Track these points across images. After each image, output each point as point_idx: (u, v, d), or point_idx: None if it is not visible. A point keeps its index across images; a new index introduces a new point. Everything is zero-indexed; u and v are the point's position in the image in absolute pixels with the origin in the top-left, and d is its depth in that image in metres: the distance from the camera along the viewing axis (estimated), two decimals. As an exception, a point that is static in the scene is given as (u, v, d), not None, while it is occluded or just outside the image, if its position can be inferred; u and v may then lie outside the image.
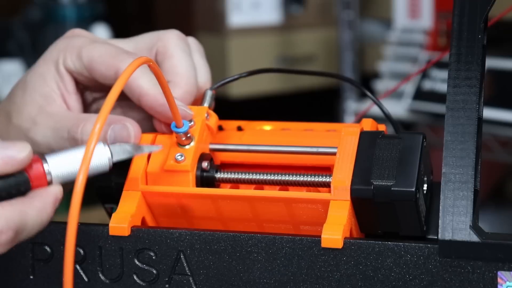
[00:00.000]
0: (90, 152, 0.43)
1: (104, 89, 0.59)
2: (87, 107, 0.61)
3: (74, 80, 0.59)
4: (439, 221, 0.46)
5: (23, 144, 0.48)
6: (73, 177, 0.50)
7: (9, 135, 0.59)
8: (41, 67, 0.59)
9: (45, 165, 0.50)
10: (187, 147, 0.54)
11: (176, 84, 0.57)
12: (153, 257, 0.51)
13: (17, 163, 0.47)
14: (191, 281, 0.51)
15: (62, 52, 0.58)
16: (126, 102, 0.58)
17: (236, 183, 0.55)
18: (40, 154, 0.51)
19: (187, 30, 0.61)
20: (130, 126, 0.55)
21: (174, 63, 0.58)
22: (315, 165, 0.55)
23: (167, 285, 0.51)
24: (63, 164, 0.50)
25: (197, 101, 0.59)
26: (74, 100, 0.59)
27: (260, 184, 0.55)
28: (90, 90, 0.61)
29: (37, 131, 0.58)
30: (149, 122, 0.58)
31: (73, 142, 0.57)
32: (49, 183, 0.50)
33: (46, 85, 0.58)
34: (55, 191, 0.49)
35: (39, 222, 0.48)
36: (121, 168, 0.55)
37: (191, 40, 0.61)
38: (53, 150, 0.57)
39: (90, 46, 0.58)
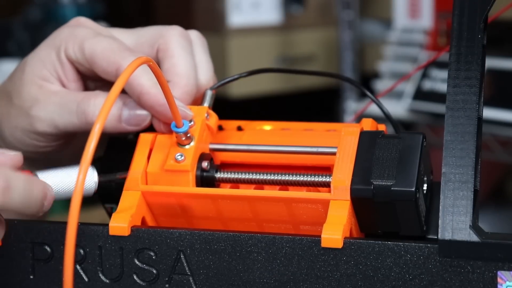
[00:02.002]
0: (90, 153, 0.43)
1: (105, 79, 0.59)
2: None
3: (75, 69, 0.59)
4: (439, 221, 0.46)
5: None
6: (57, 196, 0.52)
7: (10, 115, 0.59)
8: (42, 51, 0.59)
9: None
10: (187, 147, 0.54)
11: (176, 84, 0.57)
12: (153, 257, 0.51)
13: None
14: (191, 281, 0.51)
15: (65, 41, 0.58)
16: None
17: (236, 183, 0.55)
18: (32, 170, 0.52)
19: (187, 30, 0.61)
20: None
21: (174, 62, 0.58)
22: (315, 165, 0.55)
23: (167, 285, 0.51)
24: (51, 182, 0.51)
25: (198, 100, 0.59)
26: (74, 87, 0.59)
27: (260, 184, 0.55)
28: (92, 79, 0.61)
29: (40, 108, 0.58)
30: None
31: (83, 115, 0.57)
32: None
33: (45, 68, 0.59)
34: (44, 185, 0.50)
35: (23, 195, 0.49)
36: (121, 168, 0.55)
37: (194, 34, 0.61)
38: (57, 126, 0.57)
39: (93, 40, 0.57)
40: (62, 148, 0.61)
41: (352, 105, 1.66)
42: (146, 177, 0.54)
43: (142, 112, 0.56)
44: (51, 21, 1.82)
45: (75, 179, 0.51)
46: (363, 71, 1.76)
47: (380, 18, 1.77)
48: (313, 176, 0.53)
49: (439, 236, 0.46)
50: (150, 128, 0.57)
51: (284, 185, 0.54)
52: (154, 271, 0.51)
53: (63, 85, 0.59)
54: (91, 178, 0.52)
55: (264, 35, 1.83)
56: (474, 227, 0.46)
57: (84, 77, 0.60)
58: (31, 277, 0.53)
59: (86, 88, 0.61)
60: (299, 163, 0.55)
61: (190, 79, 0.57)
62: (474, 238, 0.46)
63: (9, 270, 0.53)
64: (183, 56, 0.58)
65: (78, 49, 0.58)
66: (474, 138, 0.47)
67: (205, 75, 0.60)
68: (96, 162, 0.54)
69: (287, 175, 0.54)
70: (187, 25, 0.61)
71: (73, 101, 0.57)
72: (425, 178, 0.53)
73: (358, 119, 0.61)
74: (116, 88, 0.44)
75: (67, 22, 0.61)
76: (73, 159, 0.64)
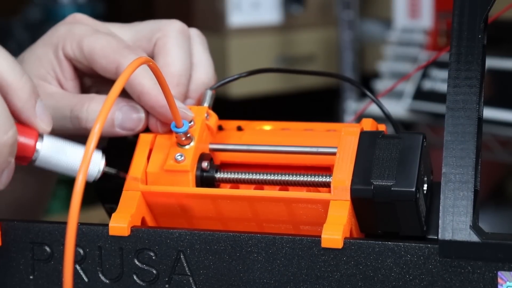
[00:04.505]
0: (90, 152, 0.43)
1: (104, 77, 0.59)
2: (85, 91, 0.61)
3: (73, 66, 0.59)
4: (439, 221, 0.46)
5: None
6: (56, 168, 0.51)
7: None
8: (39, 49, 0.59)
9: (38, 143, 0.50)
10: (187, 147, 0.54)
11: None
12: (153, 257, 0.51)
13: None
14: (191, 281, 0.51)
15: (62, 39, 0.58)
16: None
17: (236, 183, 0.55)
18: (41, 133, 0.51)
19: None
20: (140, 108, 0.55)
21: (168, 61, 0.57)
22: (315, 165, 0.55)
23: (167, 285, 0.51)
24: (55, 151, 0.51)
25: (199, 100, 0.59)
26: (71, 86, 0.59)
27: (260, 184, 0.55)
28: (89, 76, 0.60)
29: None
30: None
31: (77, 121, 0.56)
32: (33, 160, 0.51)
33: (42, 67, 0.58)
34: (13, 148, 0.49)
35: None
36: (121, 168, 0.55)
37: (194, 32, 0.61)
38: (52, 129, 0.57)
39: (92, 37, 0.57)
40: None
41: (352, 105, 1.66)
42: (146, 177, 0.54)
43: (136, 116, 0.56)
44: (51, 21, 1.82)
45: (78, 157, 0.51)
46: (363, 71, 1.76)
47: (380, 18, 1.77)
48: (313, 176, 0.53)
49: (439, 236, 0.46)
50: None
51: (284, 185, 0.54)
52: (154, 271, 0.51)
53: (60, 84, 0.59)
54: (97, 164, 0.52)
55: (264, 35, 1.83)
56: (475, 227, 0.46)
57: (82, 74, 0.60)
58: (31, 277, 0.53)
59: (83, 85, 0.60)
60: (299, 163, 0.55)
61: (182, 79, 0.57)
62: (474, 238, 0.46)
63: (9, 270, 0.53)
64: (178, 56, 0.58)
65: (76, 47, 0.57)
66: (474, 138, 0.47)
67: (206, 74, 0.59)
68: None
69: (287, 175, 0.54)
70: (187, 25, 0.61)
71: (67, 106, 0.57)
72: (425, 178, 0.53)
73: (358, 119, 0.61)
74: (116, 89, 0.44)
75: (64, 19, 0.61)
76: None
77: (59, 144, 0.51)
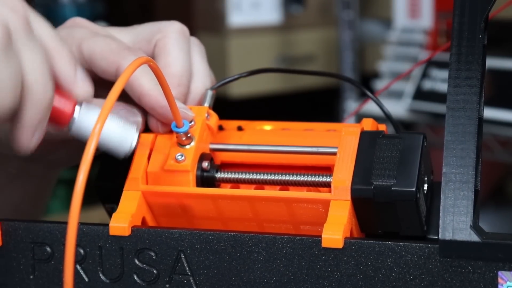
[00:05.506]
0: (90, 153, 0.43)
1: (103, 79, 0.58)
2: None
3: None
4: (440, 221, 0.46)
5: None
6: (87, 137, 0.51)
7: None
8: None
9: (76, 108, 0.51)
10: (187, 147, 0.54)
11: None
12: (154, 257, 0.51)
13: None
14: (191, 281, 0.51)
15: None
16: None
17: (236, 183, 0.55)
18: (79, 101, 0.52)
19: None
20: (138, 112, 0.55)
21: (169, 62, 0.57)
22: (315, 165, 0.55)
23: (167, 285, 0.51)
24: (91, 120, 0.51)
25: (197, 103, 0.59)
26: None
27: (260, 184, 0.55)
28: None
29: None
30: None
31: None
32: (69, 124, 0.51)
33: None
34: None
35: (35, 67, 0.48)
36: (121, 168, 0.55)
37: (193, 40, 0.61)
38: (50, 133, 0.57)
39: (91, 40, 0.57)
40: (57, 149, 0.61)
41: (352, 105, 1.66)
42: (147, 177, 0.54)
43: (134, 120, 0.55)
44: (51, 21, 1.82)
45: (118, 130, 0.52)
46: (363, 71, 1.76)
47: (380, 18, 1.77)
48: (313, 176, 0.53)
49: (440, 236, 0.46)
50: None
51: (285, 185, 0.54)
52: (155, 271, 0.51)
53: None
54: (129, 139, 0.52)
55: (264, 35, 1.83)
56: (475, 227, 0.46)
57: None
58: (31, 277, 0.53)
59: None
60: (300, 163, 0.55)
61: (183, 80, 0.57)
62: (474, 238, 0.46)
63: (9, 270, 0.53)
64: (179, 56, 0.58)
65: (76, 50, 0.57)
66: (474, 138, 0.47)
67: (203, 84, 0.59)
68: (97, 160, 0.54)
69: (287, 175, 0.54)
70: (187, 25, 0.61)
71: None
72: (426, 178, 0.53)
73: (358, 119, 0.61)
74: (116, 89, 0.44)
75: (64, 23, 0.61)
76: (69, 160, 0.64)
77: (96, 112, 0.52)
